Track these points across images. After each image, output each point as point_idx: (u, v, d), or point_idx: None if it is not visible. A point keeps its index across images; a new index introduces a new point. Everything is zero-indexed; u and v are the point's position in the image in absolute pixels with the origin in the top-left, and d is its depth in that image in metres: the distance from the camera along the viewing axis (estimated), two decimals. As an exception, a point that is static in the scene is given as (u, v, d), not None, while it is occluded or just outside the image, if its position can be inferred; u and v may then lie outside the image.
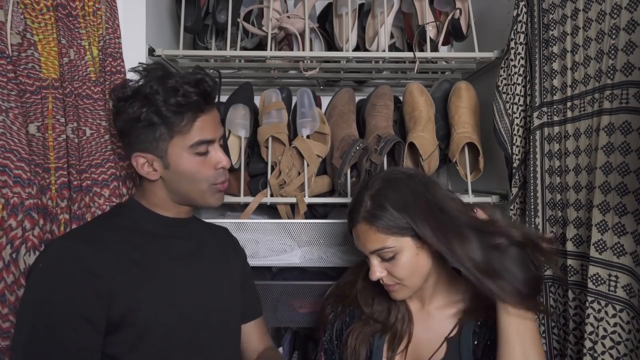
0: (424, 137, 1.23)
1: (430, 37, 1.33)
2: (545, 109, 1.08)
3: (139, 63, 0.89)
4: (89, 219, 0.97)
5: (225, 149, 1.23)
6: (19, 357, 0.74)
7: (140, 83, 0.86)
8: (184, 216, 0.96)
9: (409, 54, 1.32)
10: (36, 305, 0.76)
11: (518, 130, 1.17)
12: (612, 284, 0.86)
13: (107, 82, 1.03)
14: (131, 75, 0.92)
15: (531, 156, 1.10)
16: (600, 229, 0.88)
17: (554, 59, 1.05)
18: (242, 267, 1.08)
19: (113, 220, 0.90)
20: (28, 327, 0.75)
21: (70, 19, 0.98)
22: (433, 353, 0.93)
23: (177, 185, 0.89)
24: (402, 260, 0.88)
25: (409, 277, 0.90)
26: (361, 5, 1.49)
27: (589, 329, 0.89)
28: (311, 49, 1.44)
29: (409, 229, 0.86)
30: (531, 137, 1.10)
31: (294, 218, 1.27)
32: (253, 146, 1.34)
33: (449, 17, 1.33)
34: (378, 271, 0.90)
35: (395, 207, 0.87)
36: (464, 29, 1.33)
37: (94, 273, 0.77)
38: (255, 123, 1.32)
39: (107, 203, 0.99)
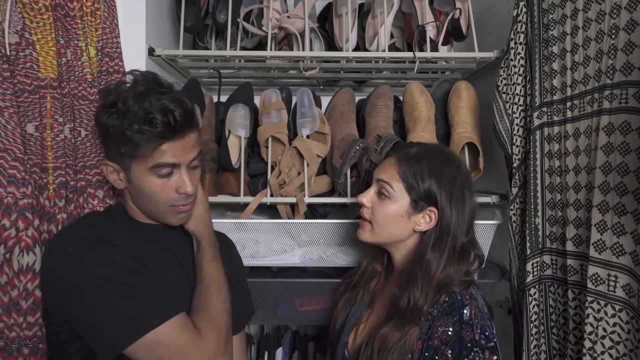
0: (424, 137, 1.22)
1: (430, 37, 1.33)
2: (545, 109, 1.08)
3: (132, 70, 0.88)
4: None
5: (225, 149, 1.23)
6: (112, 317, 0.77)
7: (124, 90, 0.84)
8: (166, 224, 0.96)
9: (409, 54, 1.32)
10: (97, 271, 0.79)
11: (518, 130, 1.17)
12: (612, 283, 0.86)
13: (103, 82, 1.03)
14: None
15: (531, 156, 1.10)
16: (599, 229, 0.88)
17: (553, 59, 1.05)
18: (235, 274, 1.05)
19: (108, 222, 0.91)
20: (105, 291, 0.78)
21: (68, 19, 0.98)
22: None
23: (138, 200, 0.90)
24: (389, 206, 0.96)
25: (382, 223, 0.97)
26: (361, 5, 1.49)
27: (588, 329, 0.89)
28: (311, 49, 1.44)
29: (417, 191, 0.94)
30: (531, 137, 1.10)
31: (294, 218, 1.27)
32: (253, 146, 1.34)
33: (449, 17, 1.32)
34: (367, 197, 1.00)
35: (430, 170, 0.94)
36: (464, 29, 1.33)
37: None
38: (255, 123, 1.32)
39: (100, 204, 0.99)
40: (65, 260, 0.81)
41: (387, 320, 0.92)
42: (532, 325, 1.08)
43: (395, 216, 0.95)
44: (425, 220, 0.95)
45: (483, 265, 1.25)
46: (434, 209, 0.94)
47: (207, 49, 1.47)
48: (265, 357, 1.54)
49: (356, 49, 1.44)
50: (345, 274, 1.19)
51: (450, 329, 0.85)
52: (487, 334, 0.85)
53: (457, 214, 0.93)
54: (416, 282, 0.91)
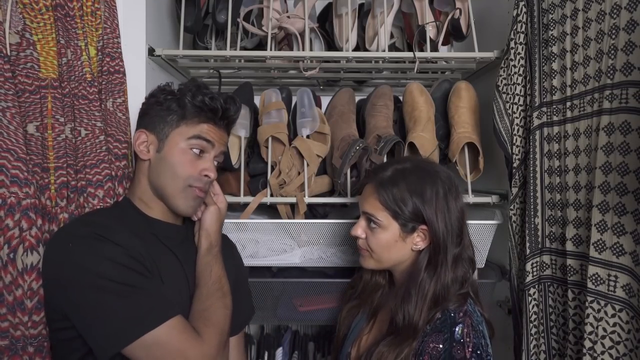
0: (424, 137, 1.23)
1: (430, 37, 1.33)
2: (544, 109, 1.08)
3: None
4: None
5: (225, 149, 1.23)
6: (110, 316, 0.77)
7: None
8: (173, 221, 0.97)
9: (409, 54, 1.32)
10: (99, 269, 0.79)
11: (518, 130, 1.17)
12: (612, 283, 0.86)
13: (104, 82, 1.03)
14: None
15: (531, 156, 1.10)
16: (599, 229, 0.88)
17: (553, 59, 1.05)
18: (235, 275, 1.06)
19: (111, 217, 0.91)
20: (104, 290, 0.78)
21: (68, 19, 0.98)
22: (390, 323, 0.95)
23: (158, 174, 0.92)
24: (381, 235, 0.95)
25: (379, 252, 0.97)
26: (361, 5, 1.49)
27: (588, 328, 0.89)
28: (311, 49, 1.44)
29: (403, 215, 0.92)
30: (531, 137, 1.10)
31: (294, 218, 1.27)
32: (253, 146, 1.34)
33: (449, 17, 1.32)
34: (360, 230, 0.99)
35: (410, 190, 0.92)
36: (464, 29, 1.33)
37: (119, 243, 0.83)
38: (255, 123, 1.32)
39: (101, 204, 0.99)
40: (65, 257, 0.81)
41: (386, 336, 0.92)
42: (531, 325, 1.08)
43: (390, 242, 0.95)
44: (421, 238, 0.95)
45: (475, 267, 1.26)
46: (425, 226, 0.93)
47: (207, 49, 1.47)
48: (265, 357, 1.54)
49: (356, 49, 1.43)
50: (349, 281, 1.19)
51: (440, 346, 0.85)
52: (479, 352, 0.85)
53: (445, 225, 0.91)
54: (410, 299, 0.91)
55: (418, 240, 0.95)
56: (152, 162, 0.92)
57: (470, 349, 0.84)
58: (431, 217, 0.91)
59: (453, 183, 0.96)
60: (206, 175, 0.92)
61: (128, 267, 0.80)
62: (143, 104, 0.96)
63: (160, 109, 0.92)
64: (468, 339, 0.85)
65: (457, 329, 0.86)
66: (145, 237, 0.90)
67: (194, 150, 0.91)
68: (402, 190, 0.92)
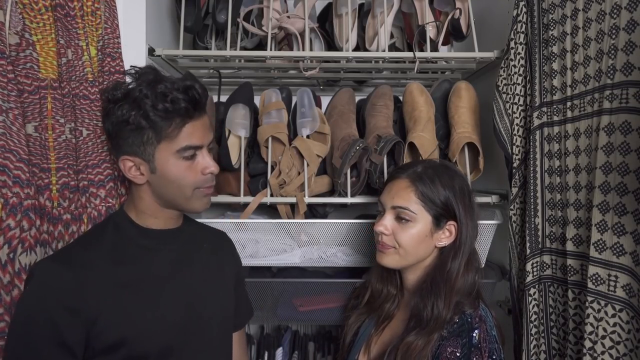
0: (424, 137, 1.22)
1: (430, 37, 1.33)
2: (545, 109, 1.08)
3: (131, 66, 0.89)
4: (85, 219, 0.97)
5: (225, 149, 1.23)
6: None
7: (131, 86, 0.84)
8: (173, 225, 0.94)
9: (409, 54, 1.32)
10: (19, 328, 0.78)
11: (518, 130, 1.17)
12: (612, 283, 0.86)
13: (105, 82, 1.03)
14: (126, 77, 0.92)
15: (531, 156, 1.10)
16: (599, 229, 0.88)
17: (553, 58, 1.05)
18: (237, 273, 1.07)
19: (100, 238, 0.88)
20: (10, 346, 0.78)
21: (69, 19, 0.98)
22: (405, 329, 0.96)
23: (163, 189, 0.88)
24: (412, 229, 0.95)
25: (409, 247, 0.96)
26: (361, 5, 1.49)
27: (588, 328, 0.89)
28: (311, 49, 1.44)
29: (437, 209, 0.94)
30: (531, 137, 1.10)
31: (294, 218, 1.27)
32: (253, 146, 1.34)
33: (449, 17, 1.32)
34: (384, 226, 0.97)
35: (443, 184, 0.95)
36: (464, 29, 1.33)
37: (75, 301, 0.78)
38: (255, 123, 1.32)
39: (103, 203, 0.98)
40: (21, 295, 0.82)
41: (409, 332, 0.92)
42: (531, 325, 1.08)
43: (421, 237, 0.95)
44: (446, 235, 0.96)
45: (481, 272, 1.26)
46: (453, 222, 0.95)
47: (207, 49, 1.47)
48: (265, 357, 1.54)
49: (356, 49, 1.43)
50: (349, 281, 1.20)
51: (459, 351, 0.87)
52: (494, 357, 0.87)
53: (471, 222, 0.95)
54: (439, 292, 0.92)
55: (442, 237, 0.96)
56: (151, 182, 0.87)
57: (487, 354, 0.86)
58: (461, 212, 0.95)
59: (470, 186, 1.01)
60: (209, 173, 0.89)
61: (56, 329, 0.78)
62: (106, 121, 0.86)
63: (130, 129, 0.83)
64: (485, 344, 0.87)
65: (474, 334, 0.88)
66: (135, 251, 0.88)
67: (187, 156, 0.86)
68: (436, 184, 0.95)
